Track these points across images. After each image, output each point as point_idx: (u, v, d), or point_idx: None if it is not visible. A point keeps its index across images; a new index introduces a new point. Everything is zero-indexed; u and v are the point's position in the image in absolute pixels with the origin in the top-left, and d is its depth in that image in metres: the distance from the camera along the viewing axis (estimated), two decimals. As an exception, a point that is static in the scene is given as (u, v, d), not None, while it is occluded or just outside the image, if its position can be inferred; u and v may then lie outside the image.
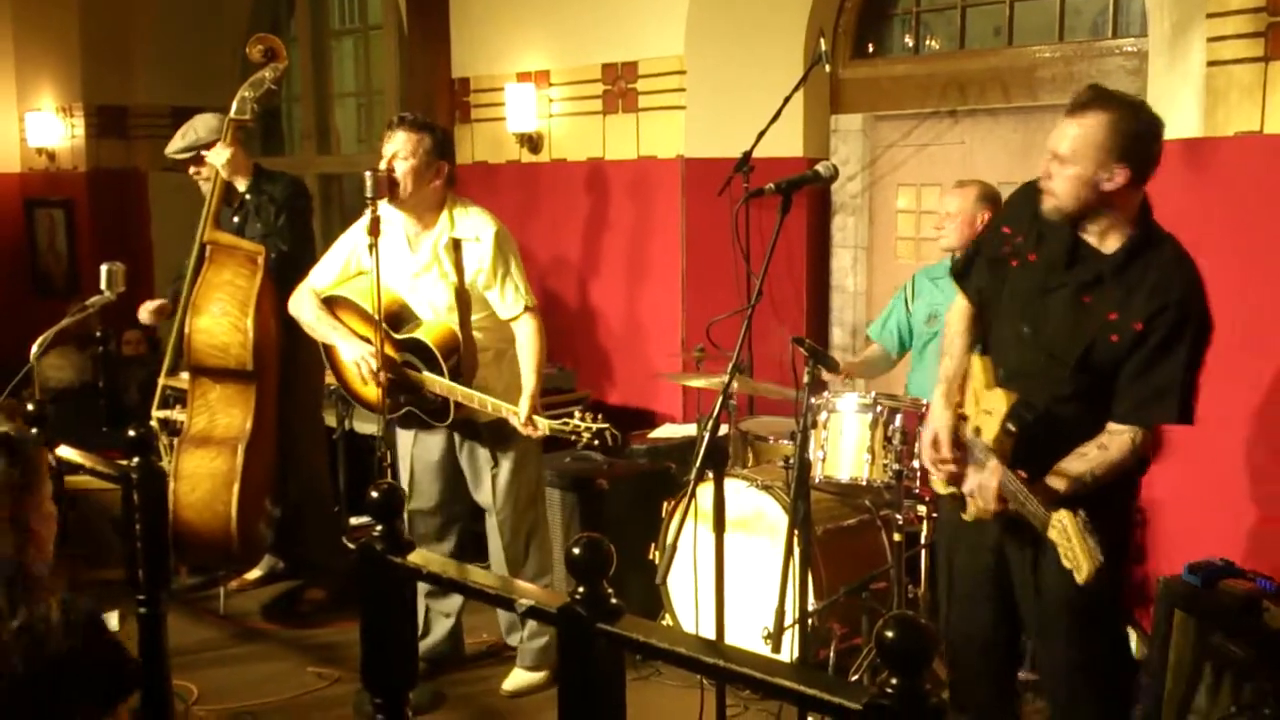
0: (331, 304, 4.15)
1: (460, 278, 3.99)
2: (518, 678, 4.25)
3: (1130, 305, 2.77)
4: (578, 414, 3.74)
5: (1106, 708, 3.09)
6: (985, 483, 2.85)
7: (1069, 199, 2.78)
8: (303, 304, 4.17)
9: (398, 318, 4.03)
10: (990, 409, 2.92)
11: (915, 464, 3.91)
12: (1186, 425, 2.87)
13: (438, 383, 3.94)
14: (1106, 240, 2.83)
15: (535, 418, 3.81)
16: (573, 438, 3.72)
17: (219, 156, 4.60)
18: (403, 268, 4.03)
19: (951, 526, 3.18)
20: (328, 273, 4.17)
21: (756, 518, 4.12)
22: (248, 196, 4.68)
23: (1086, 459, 2.82)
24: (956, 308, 3.19)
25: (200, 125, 4.88)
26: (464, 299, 4.00)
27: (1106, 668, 3.05)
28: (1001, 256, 3.01)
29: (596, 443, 3.67)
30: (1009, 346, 2.97)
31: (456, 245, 3.99)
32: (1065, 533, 2.63)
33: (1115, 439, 2.82)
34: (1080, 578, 2.59)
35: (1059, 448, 2.85)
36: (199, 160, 4.84)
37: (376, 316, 3.82)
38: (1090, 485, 2.81)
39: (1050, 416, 2.86)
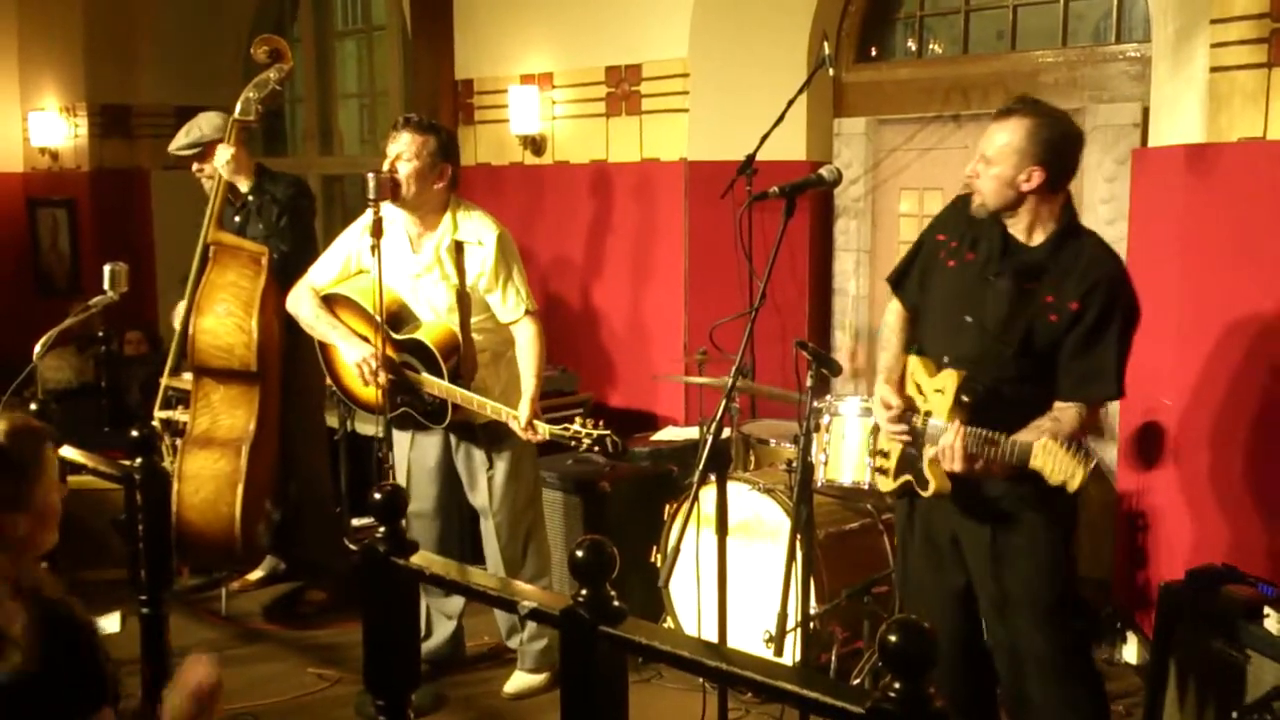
0: (330, 302, 4.15)
1: (461, 280, 3.99)
2: (519, 680, 4.25)
3: (1064, 287, 2.99)
4: (579, 420, 3.74)
5: (1096, 705, 3.17)
6: (949, 442, 2.96)
7: (992, 196, 3.04)
8: (301, 301, 4.17)
9: (397, 318, 4.03)
10: (941, 387, 3.07)
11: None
12: (1120, 399, 3.16)
13: (437, 384, 3.94)
14: (1033, 236, 3.07)
15: (536, 422, 3.82)
16: (572, 444, 3.73)
17: (221, 156, 4.60)
18: (404, 268, 4.03)
19: (903, 529, 3.37)
20: (327, 270, 4.17)
21: (758, 521, 4.12)
22: (250, 197, 4.68)
23: (1040, 429, 2.95)
24: (892, 309, 3.40)
25: (204, 123, 4.88)
26: (465, 301, 4.00)
27: (1082, 657, 3.18)
28: (938, 261, 3.22)
29: (597, 449, 3.67)
30: (951, 338, 3.13)
31: (459, 248, 3.99)
32: (1050, 451, 2.78)
33: (1064, 413, 3.02)
34: (1075, 484, 2.75)
35: (1010, 424, 2.97)
36: (202, 158, 4.84)
37: (378, 317, 3.82)
38: None
39: (997, 395, 3.02)
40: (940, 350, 3.15)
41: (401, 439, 4.20)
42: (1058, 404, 3.02)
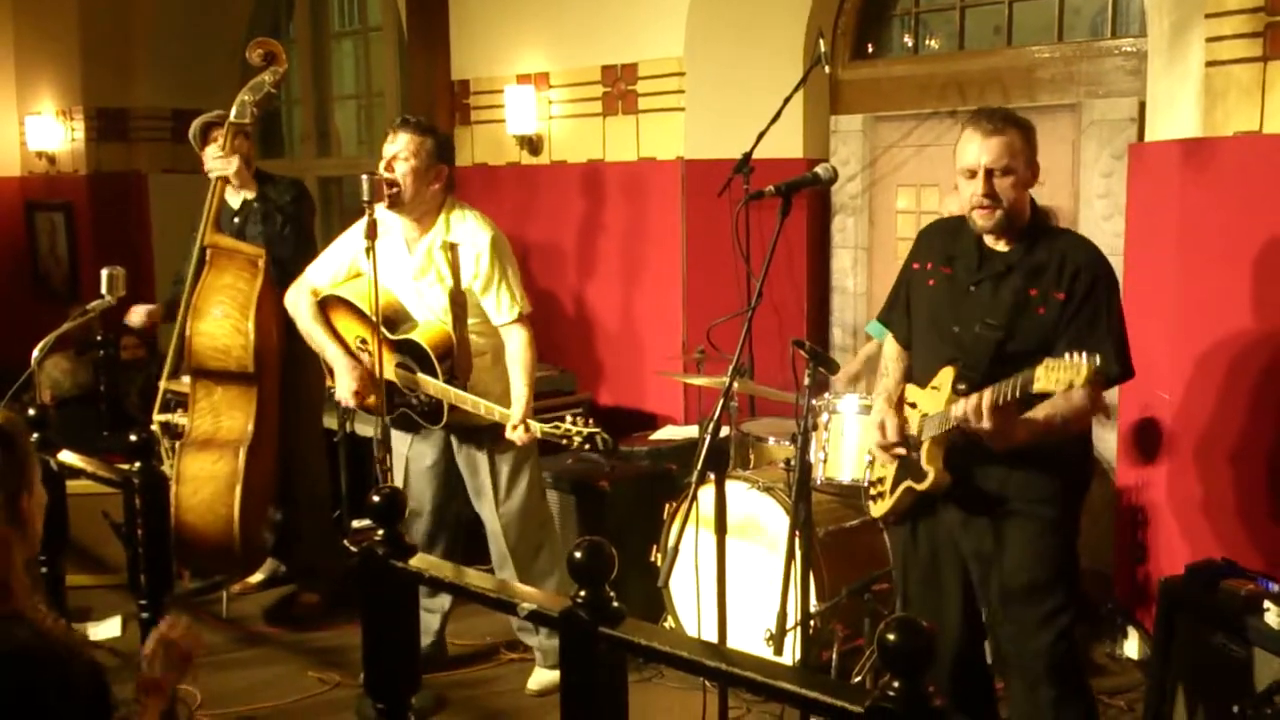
0: (328, 304, 4.16)
1: (456, 281, 3.99)
2: (541, 676, 4.22)
3: (1044, 279, 3.01)
4: (569, 418, 3.74)
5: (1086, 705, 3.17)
6: (960, 411, 2.91)
7: (1015, 203, 3.01)
8: (300, 304, 4.19)
9: (392, 319, 4.04)
10: (937, 384, 3.09)
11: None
12: (1129, 378, 3.10)
13: (432, 385, 3.94)
14: (1000, 241, 3.09)
15: (529, 420, 3.82)
16: (564, 441, 3.73)
17: (228, 166, 4.60)
18: (401, 270, 4.04)
19: (905, 554, 3.36)
20: (326, 271, 4.19)
21: (757, 519, 4.11)
22: (256, 204, 4.69)
23: (1053, 404, 2.95)
24: (889, 340, 3.44)
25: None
26: (459, 302, 4.00)
27: (1077, 673, 3.13)
28: (919, 288, 3.26)
29: (588, 447, 3.67)
30: (943, 351, 3.13)
31: (452, 249, 3.99)
32: (1049, 367, 2.70)
33: (1075, 391, 2.87)
34: (1081, 378, 2.64)
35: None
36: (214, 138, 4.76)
37: (375, 320, 3.82)
38: (1059, 426, 2.98)
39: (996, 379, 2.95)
40: (935, 367, 3.14)
41: (400, 439, 4.21)
42: None
